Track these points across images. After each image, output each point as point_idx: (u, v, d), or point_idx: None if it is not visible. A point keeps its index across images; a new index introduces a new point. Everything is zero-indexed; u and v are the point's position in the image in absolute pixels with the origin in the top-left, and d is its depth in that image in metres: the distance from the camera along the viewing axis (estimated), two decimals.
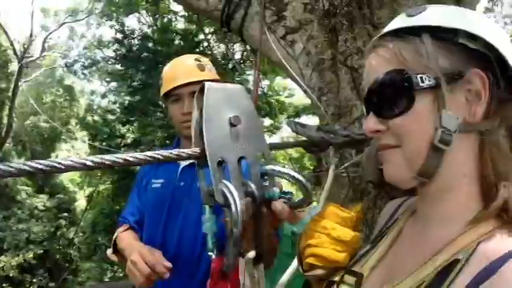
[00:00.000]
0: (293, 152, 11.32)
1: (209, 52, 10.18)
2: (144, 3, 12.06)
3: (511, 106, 0.61)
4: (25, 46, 14.31)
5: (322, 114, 1.76)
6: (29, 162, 0.44)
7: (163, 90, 1.65)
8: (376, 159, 1.19)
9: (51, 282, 12.11)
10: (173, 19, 12.36)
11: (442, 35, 0.60)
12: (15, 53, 13.83)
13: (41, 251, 11.87)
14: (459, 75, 0.59)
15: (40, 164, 0.43)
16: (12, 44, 13.74)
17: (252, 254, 0.61)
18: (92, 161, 0.46)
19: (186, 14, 11.22)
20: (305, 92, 1.90)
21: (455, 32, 0.60)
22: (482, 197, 0.60)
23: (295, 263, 1.01)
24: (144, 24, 12.96)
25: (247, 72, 10.72)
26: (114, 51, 13.50)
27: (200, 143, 0.61)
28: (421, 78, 0.59)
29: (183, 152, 0.57)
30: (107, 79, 14.14)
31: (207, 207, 0.62)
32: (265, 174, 0.65)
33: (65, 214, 13.48)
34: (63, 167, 0.45)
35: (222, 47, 10.69)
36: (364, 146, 1.15)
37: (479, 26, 0.60)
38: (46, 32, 16.13)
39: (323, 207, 0.66)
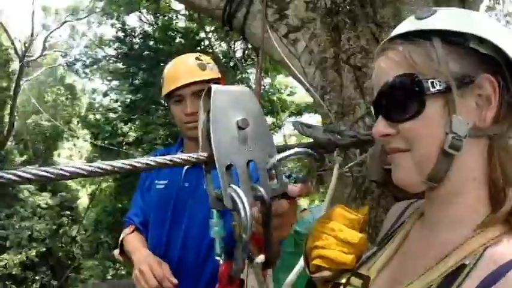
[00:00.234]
0: None
1: (210, 50, 10.18)
2: (144, 2, 12.05)
3: None
4: (26, 45, 14.31)
5: (325, 112, 1.76)
6: (35, 170, 0.43)
7: (165, 91, 1.64)
8: (380, 159, 1.19)
9: (54, 280, 12.17)
10: (174, 18, 12.35)
11: (452, 38, 0.60)
12: (16, 52, 13.84)
13: (44, 249, 11.93)
14: (470, 80, 0.59)
15: (46, 171, 0.43)
16: (13, 43, 13.74)
17: (261, 258, 0.61)
18: (98, 168, 0.46)
19: (187, 12, 11.20)
20: (308, 90, 1.89)
21: (465, 36, 0.60)
22: (491, 201, 0.60)
23: (300, 262, 1.01)
24: (145, 22, 12.95)
25: (249, 71, 10.71)
26: (115, 49, 13.51)
27: (208, 147, 0.60)
28: (432, 82, 0.59)
29: (191, 157, 0.56)
30: (108, 78, 14.14)
31: (214, 211, 0.62)
32: (274, 169, 0.64)
33: (68, 212, 13.52)
34: (68, 174, 0.44)
35: (223, 45, 10.67)
36: (369, 146, 1.14)
37: (488, 30, 0.60)
38: (47, 30, 16.13)
39: (327, 207, 0.65)
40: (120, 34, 12.92)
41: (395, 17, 1.71)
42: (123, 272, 12.25)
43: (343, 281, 0.71)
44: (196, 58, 1.65)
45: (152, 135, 10.97)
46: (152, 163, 0.51)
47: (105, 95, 14.52)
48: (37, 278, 11.82)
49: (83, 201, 15.68)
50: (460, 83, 0.59)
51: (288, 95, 13.39)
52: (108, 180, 13.16)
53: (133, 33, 12.83)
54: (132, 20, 31.98)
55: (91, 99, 16.81)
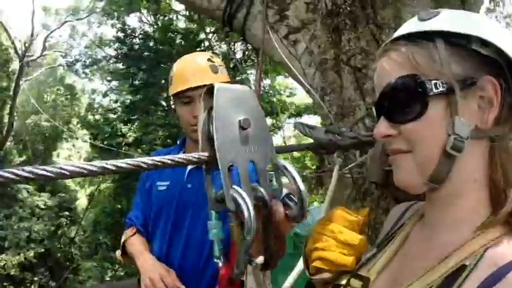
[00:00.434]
0: (294, 152, 11.31)
1: (210, 51, 10.18)
2: (145, 2, 12.06)
3: None
4: (26, 45, 14.30)
5: (325, 114, 1.75)
6: (35, 170, 0.42)
7: (173, 91, 1.57)
8: (380, 161, 1.18)
9: (52, 281, 12.14)
10: (174, 18, 12.36)
11: (454, 40, 0.60)
12: (16, 51, 13.84)
13: (42, 250, 11.91)
14: (472, 81, 0.59)
15: (46, 170, 0.42)
16: (13, 43, 13.74)
17: (260, 259, 0.60)
18: (97, 167, 0.45)
19: (187, 13, 11.21)
20: (308, 91, 1.89)
21: (468, 38, 0.60)
22: (491, 203, 0.60)
23: (299, 264, 1.01)
24: (145, 23, 12.97)
25: (248, 72, 10.71)
26: (115, 50, 13.52)
27: (208, 147, 0.59)
28: (435, 84, 0.59)
29: (192, 157, 0.55)
30: (108, 78, 14.15)
31: (213, 213, 0.61)
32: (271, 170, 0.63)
33: (66, 213, 13.50)
34: (68, 173, 0.44)
35: (223, 46, 10.68)
36: (369, 147, 1.14)
37: (490, 32, 0.60)
38: (47, 30, 16.13)
39: (327, 209, 0.65)
40: (120, 34, 12.94)
41: (396, 18, 1.71)
42: (122, 273, 12.23)
43: (343, 282, 0.71)
44: (209, 59, 1.59)
45: (152, 136, 10.97)
46: (153, 162, 0.50)
47: (104, 95, 14.53)
48: (35, 279, 11.81)
49: (82, 202, 15.66)
50: (463, 84, 0.59)
51: (287, 96, 13.40)
52: (106, 181, 13.15)
53: (134, 34, 12.85)
54: (132, 21, 32.04)
55: (91, 99, 16.81)
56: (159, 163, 0.50)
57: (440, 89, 0.59)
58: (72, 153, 18.06)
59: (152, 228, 1.61)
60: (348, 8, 1.75)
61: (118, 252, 1.68)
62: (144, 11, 12.66)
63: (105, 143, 11.63)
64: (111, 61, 14.34)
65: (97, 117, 14.14)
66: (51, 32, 16.13)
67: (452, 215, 0.62)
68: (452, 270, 0.57)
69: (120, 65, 13.30)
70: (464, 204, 0.61)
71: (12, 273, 11.08)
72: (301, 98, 12.86)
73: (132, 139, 11.58)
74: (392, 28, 1.67)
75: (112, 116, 12.91)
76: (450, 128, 0.59)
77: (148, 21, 12.94)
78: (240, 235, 0.58)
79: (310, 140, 0.81)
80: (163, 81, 11.90)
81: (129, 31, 12.81)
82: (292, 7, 1.94)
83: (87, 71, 15.99)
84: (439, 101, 0.59)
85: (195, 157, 0.55)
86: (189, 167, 1.56)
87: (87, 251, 13.58)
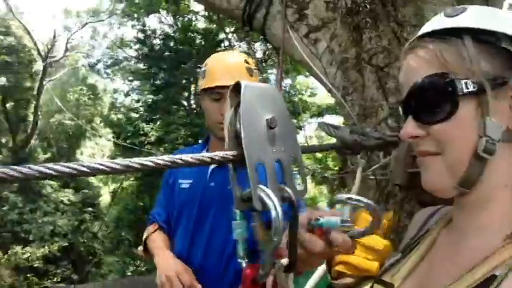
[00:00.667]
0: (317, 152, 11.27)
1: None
2: (164, 4, 12.20)
3: None
4: (48, 46, 14.67)
5: (347, 113, 1.73)
6: (58, 167, 0.42)
7: (206, 84, 1.55)
8: (404, 162, 1.16)
9: (75, 274, 12.45)
10: (193, 19, 12.46)
11: (483, 37, 0.58)
12: (39, 53, 14.21)
13: (66, 244, 12.23)
14: (503, 80, 0.57)
15: (68, 167, 0.42)
16: (36, 45, 14.11)
17: (284, 261, 0.59)
18: (120, 164, 0.45)
19: (206, 13, 11.28)
20: (329, 91, 1.87)
21: (496, 35, 0.57)
22: None
23: (321, 267, 0.99)
24: (165, 24, 13.12)
25: (269, 71, 10.70)
26: (136, 50, 13.74)
27: (235, 145, 0.58)
28: (466, 83, 0.56)
29: (217, 156, 0.54)
30: (130, 78, 14.39)
31: (237, 212, 0.60)
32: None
33: (90, 209, 13.83)
34: (91, 171, 0.44)
35: (243, 45, 10.70)
36: (394, 148, 1.12)
37: None
38: (69, 32, 16.47)
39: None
40: (141, 35, 13.15)
41: (417, 16, 1.67)
42: (143, 269, 12.43)
43: None
44: (246, 61, 1.59)
45: (174, 135, 11.11)
46: (177, 161, 0.49)
47: (126, 95, 14.79)
48: (58, 271, 12.12)
49: (105, 198, 16.00)
50: (493, 83, 0.56)
51: (308, 96, 13.34)
52: (129, 179, 13.38)
53: (154, 35, 13.03)
54: (152, 22, 32.37)
55: (113, 99, 17.12)
56: (183, 162, 0.49)
57: (471, 88, 0.56)
58: (96, 151, 18.47)
59: (174, 226, 1.61)
60: (368, 6, 1.72)
61: (140, 248, 1.70)
62: (164, 12, 12.82)
63: (127, 141, 11.84)
64: (132, 61, 14.59)
65: (119, 116, 14.40)
66: (73, 33, 16.48)
67: (481, 220, 0.60)
68: (481, 281, 0.55)
69: (141, 65, 13.52)
70: (494, 209, 0.59)
71: (36, 265, 11.40)
72: (322, 97, 12.77)
73: (154, 138, 11.74)
74: (414, 26, 1.63)
75: (134, 115, 13.13)
76: (481, 129, 0.56)
77: (168, 22, 13.10)
78: (265, 236, 0.57)
79: (335, 140, 0.80)
80: (184, 81, 12.05)
81: (149, 32, 13.00)
82: (312, 6, 1.92)
83: (108, 71, 16.31)
84: (470, 101, 0.57)
85: (221, 156, 0.54)
86: (212, 166, 1.55)
87: (110, 246, 13.87)
